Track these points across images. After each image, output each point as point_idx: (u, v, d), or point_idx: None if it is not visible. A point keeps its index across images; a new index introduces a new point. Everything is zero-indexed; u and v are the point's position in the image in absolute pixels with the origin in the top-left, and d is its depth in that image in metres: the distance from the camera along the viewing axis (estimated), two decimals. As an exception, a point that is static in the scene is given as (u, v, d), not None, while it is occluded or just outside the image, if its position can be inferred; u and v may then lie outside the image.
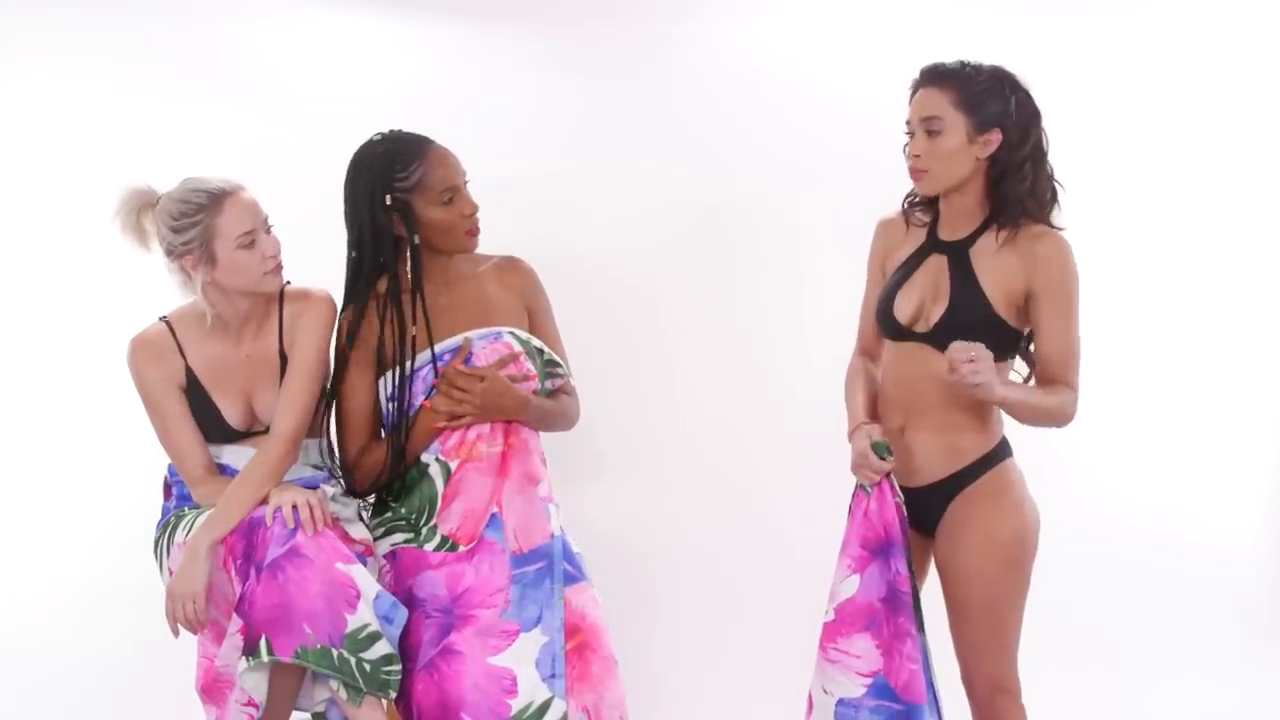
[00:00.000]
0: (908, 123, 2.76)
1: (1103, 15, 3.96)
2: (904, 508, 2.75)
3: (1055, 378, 2.71)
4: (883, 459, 2.73)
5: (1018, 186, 2.72)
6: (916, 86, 2.77)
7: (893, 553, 2.72)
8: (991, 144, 2.71)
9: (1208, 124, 4.03)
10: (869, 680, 2.73)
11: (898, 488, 2.76)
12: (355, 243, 2.87)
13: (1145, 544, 4.06)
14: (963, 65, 2.74)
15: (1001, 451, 2.80)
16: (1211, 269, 4.08)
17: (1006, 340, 2.74)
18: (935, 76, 2.73)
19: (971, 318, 2.72)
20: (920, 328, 2.78)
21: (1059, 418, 2.73)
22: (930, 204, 2.87)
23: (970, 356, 2.58)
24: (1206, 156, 4.04)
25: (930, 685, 2.73)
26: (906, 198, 2.91)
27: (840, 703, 2.76)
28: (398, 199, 2.82)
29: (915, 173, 2.76)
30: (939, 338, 2.73)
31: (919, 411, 2.79)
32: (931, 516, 2.80)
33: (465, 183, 2.88)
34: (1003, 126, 2.70)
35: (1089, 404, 3.85)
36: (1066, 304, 2.69)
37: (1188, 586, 4.04)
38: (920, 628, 2.73)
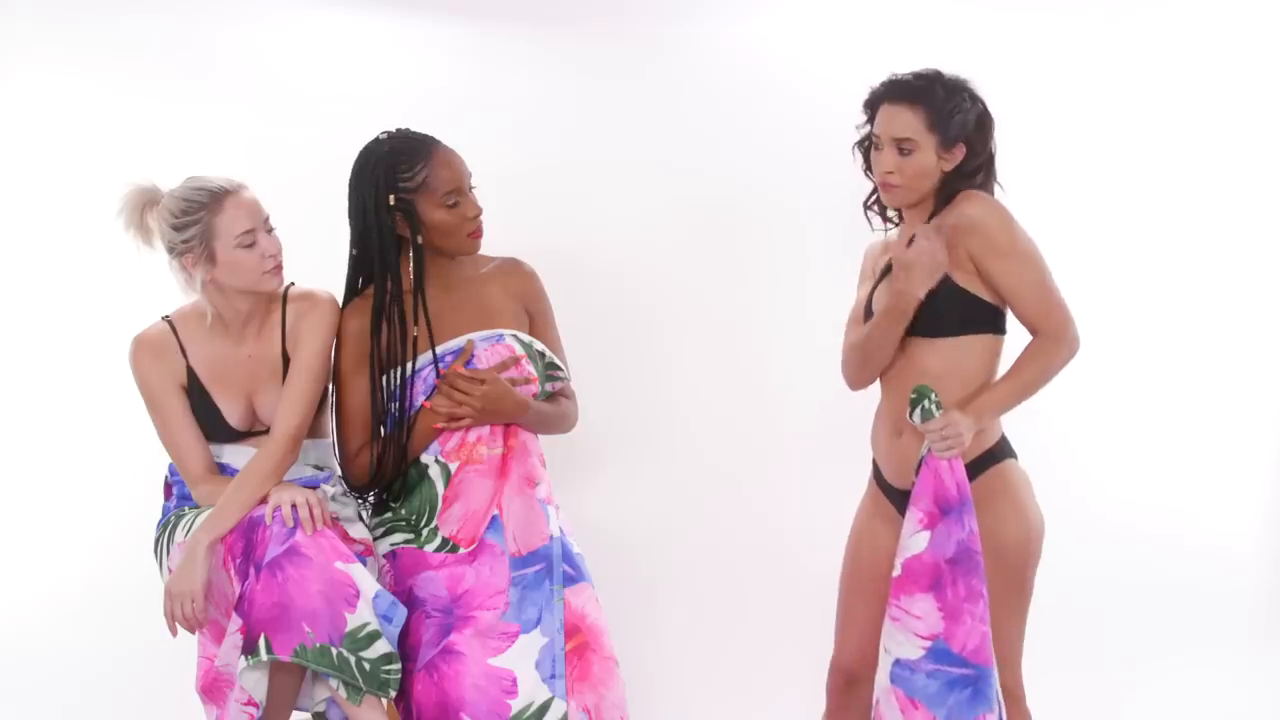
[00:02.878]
0: (876, 135, 2.78)
1: (1095, 12, 3.96)
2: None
3: (1037, 329, 2.71)
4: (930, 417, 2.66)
5: (969, 185, 2.77)
6: (880, 99, 2.78)
7: (965, 510, 2.62)
8: (956, 158, 2.76)
9: (1210, 124, 4.03)
10: (928, 643, 2.64)
11: None
12: (358, 241, 2.88)
13: (1145, 544, 4.05)
14: (929, 81, 2.75)
15: (1000, 451, 2.78)
16: (1212, 270, 4.08)
17: (982, 313, 2.74)
18: (906, 94, 2.75)
19: (928, 296, 2.71)
20: None
21: (1052, 374, 2.72)
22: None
23: (942, 434, 2.62)
24: (1208, 157, 4.04)
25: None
26: (866, 202, 2.93)
27: (897, 663, 2.68)
28: (401, 200, 2.82)
29: (887, 186, 2.79)
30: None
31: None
32: None
33: (470, 185, 2.88)
34: (967, 140, 2.75)
35: (1088, 405, 3.87)
36: (1012, 255, 2.69)
37: (1188, 586, 4.04)
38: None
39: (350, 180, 2.87)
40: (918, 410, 2.65)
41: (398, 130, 2.90)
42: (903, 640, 2.67)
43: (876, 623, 2.81)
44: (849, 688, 2.94)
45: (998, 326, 2.77)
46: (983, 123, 2.77)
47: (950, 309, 2.72)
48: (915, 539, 2.66)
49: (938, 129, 2.73)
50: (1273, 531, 4.14)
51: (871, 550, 2.89)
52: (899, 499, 2.81)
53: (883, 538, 2.86)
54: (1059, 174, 3.84)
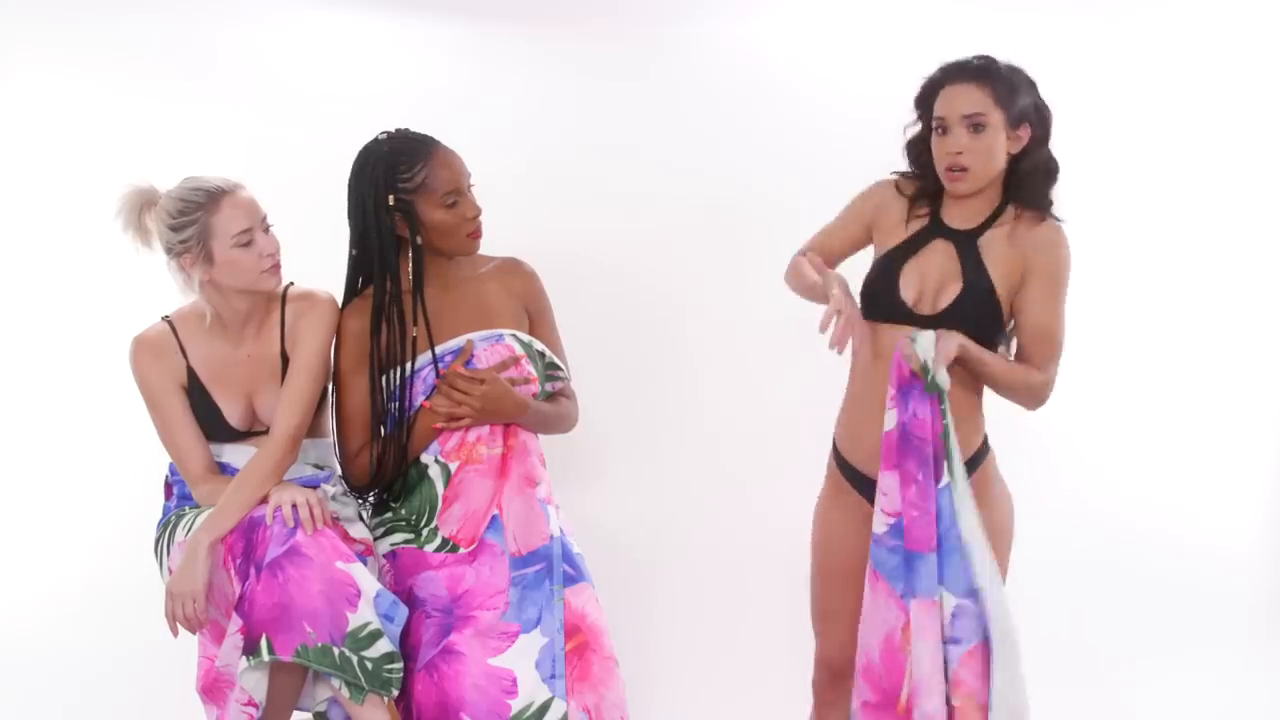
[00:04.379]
0: (940, 118, 2.74)
1: (1100, 12, 3.96)
2: None
3: (1032, 357, 2.74)
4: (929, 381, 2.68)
5: (1040, 179, 2.75)
6: (939, 85, 2.76)
7: (913, 394, 2.66)
8: (1022, 140, 2.74)
9: (1210, 121, 4.03)
10: (891, 519, 2.71)
11: None
12: (357, 242, 2.88)
13: (1145, 544, 4.05)
14: (989, 60, 2.75)
15: (985, 450, 2.83)
16: (1211, 268, 4.08)
17: (1002, 325, 2.77)
18: (969, 73, 2.73)
19: (979, 306, 2.74)
20: (924, 309, 2.77)
21: (1026, 395, 2.76)
22: (933, 194, 2.86)
23: (917, 359, 2.64)
24: (1207, 154, 4.04)
25: (945, 537, 2.66)
26: (904, 175, 2.89)
27: (873, 537, 2.75)
28: (401, 200, 2.82)
29: (955, 171, 2.73)
30: (947, 322, 2.74)
31: None
32: None
33: (470, 185, 2.88)
34: (1031, 121, 2.74)
35: (1088, 405, 3.87)
36: (1057, 289, 2.73)
37: (1188, 586, 4.03)
38: (939, 477, 2.66)
39: (350, 180, 2.87)
40: (924, 376, 2.66)
41: (397, 130, 2.90)
42: (878, 516, 2.73)
43: (856, 615, 2.83)
44: (835, 682, 2.95)
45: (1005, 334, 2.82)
46: (1043, 107, 2.76)
47: (988, 324, 2.74)
48: (887, 415, 2.72)
49: (1004, 104, 2.71)
50: (1273, 531, 4.14)
51: (841, 542, 2.89)
52: (870, 488, 2.81)
53: (849, 527, 2.87)
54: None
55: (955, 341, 2.66)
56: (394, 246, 2.85)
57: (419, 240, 2.84)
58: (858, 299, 2.84)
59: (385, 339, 2.85)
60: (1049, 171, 2.76)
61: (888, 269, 2.82)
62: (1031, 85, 2.75)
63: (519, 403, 2.87)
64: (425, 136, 2.88)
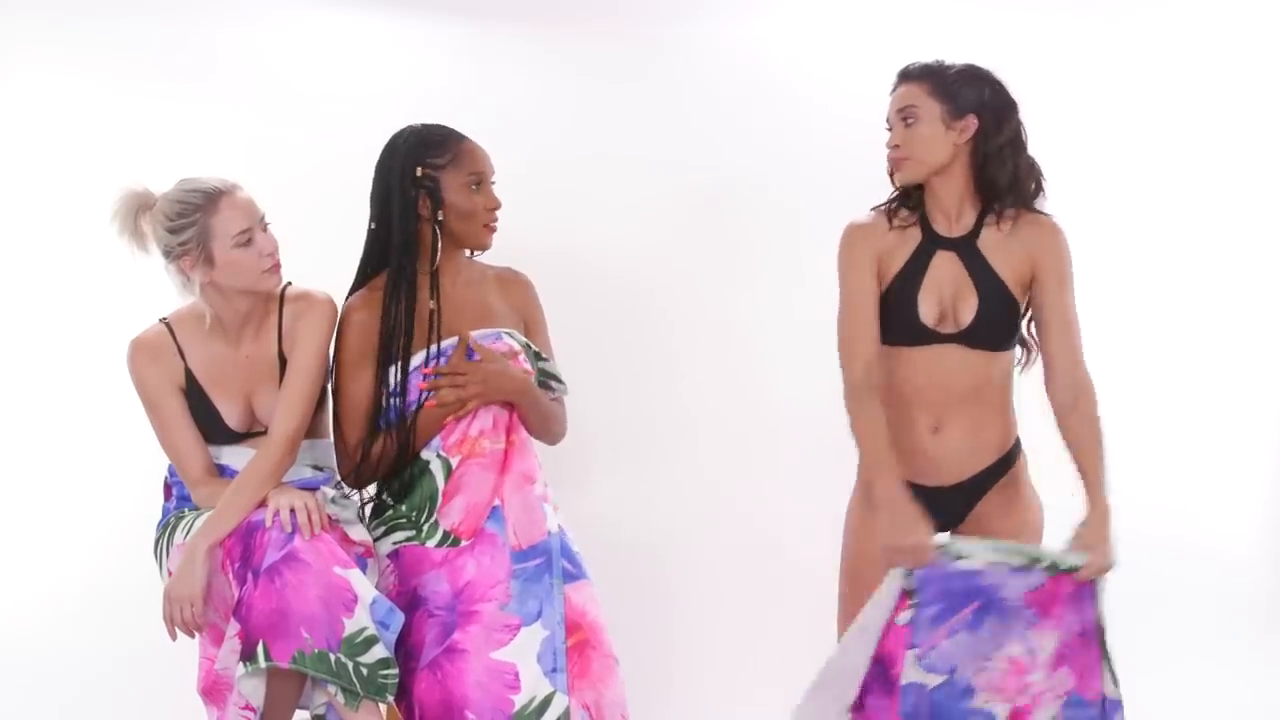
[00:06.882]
0: (888, 120, 2.83)
1: (1099, 13, 3.96)
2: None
3: (1062, 353, 2.76)
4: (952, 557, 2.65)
5: (1001, 172, 2.77)
6: (894, 87, 2.85)
7: (1084, 600, 2.76)
8: (968, 129, 2.77)
9: (1212, 121, 4.03)
10: (1064, 698, 2.73)
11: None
12: (377, 215, 2.90)
13: (1145, 544, 4.05)
14: (934, 62, 2.82)
15: (1019, 447, 2.87)
16: (1212, 268, 4.08)
17: (1016, 325, 2.81)
18: (910, 73, 2.82)
19: (1002, 312, 2.77)
20: (948, 328, 2.78)
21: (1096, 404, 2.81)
22: (909, 203, 2.87)
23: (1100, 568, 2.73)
24: (1208, 155, 4.04)
25: None
26: (886, 203, 2.90)
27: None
28: (428, 173, 2.86)
29: (895, 161, 2.81)
30: (976, 336, 2.77)
31: (953, 410, 2.80)
32: (953, 515, 2.82)
33: (492, 181, 2.93)
34: (978, 113, 2.76)
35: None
36: (1069, 283, 2.78)
37: (1187, 585, 4.03)
38: None
39: (377, 163, 2.91)
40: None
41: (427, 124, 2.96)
42: (1050, 708, 2.72)
43: None
44: None
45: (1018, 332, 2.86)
46: (998, 100, 2.78)
47: (1011, 326, 2.79)
48: (1043, 641, 2.71)
49: (941, 97, 2.76)
50: (1273, 531, 4.14)
51: (873, 551, 2.88)
52: (932, 500, 2.78)
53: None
54: (1057, 172, 3.83)
55: (1107, 560, 2.77)
56: (414, 220, 2.87)
57: (440, 216, 2.86)
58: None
59: (394, 316, 2.85)
60: (1016, 167, 2.78)
61: (903, 292, 2.80)
62: (985, 80, 2.79)
63: (519, 377, 2.89)
64: (456, 130, 2.95)
